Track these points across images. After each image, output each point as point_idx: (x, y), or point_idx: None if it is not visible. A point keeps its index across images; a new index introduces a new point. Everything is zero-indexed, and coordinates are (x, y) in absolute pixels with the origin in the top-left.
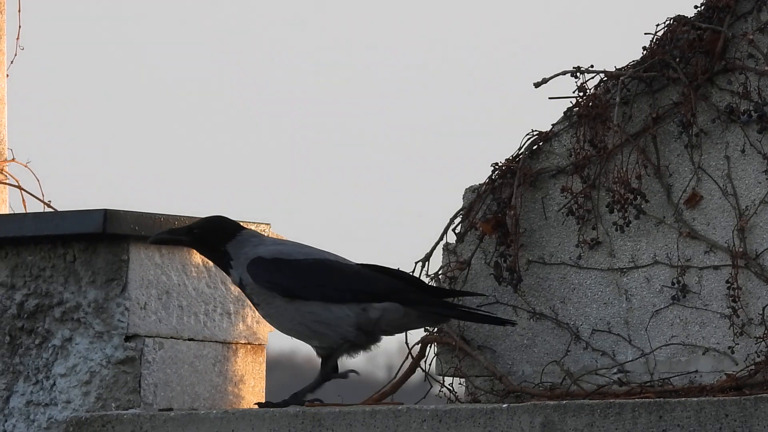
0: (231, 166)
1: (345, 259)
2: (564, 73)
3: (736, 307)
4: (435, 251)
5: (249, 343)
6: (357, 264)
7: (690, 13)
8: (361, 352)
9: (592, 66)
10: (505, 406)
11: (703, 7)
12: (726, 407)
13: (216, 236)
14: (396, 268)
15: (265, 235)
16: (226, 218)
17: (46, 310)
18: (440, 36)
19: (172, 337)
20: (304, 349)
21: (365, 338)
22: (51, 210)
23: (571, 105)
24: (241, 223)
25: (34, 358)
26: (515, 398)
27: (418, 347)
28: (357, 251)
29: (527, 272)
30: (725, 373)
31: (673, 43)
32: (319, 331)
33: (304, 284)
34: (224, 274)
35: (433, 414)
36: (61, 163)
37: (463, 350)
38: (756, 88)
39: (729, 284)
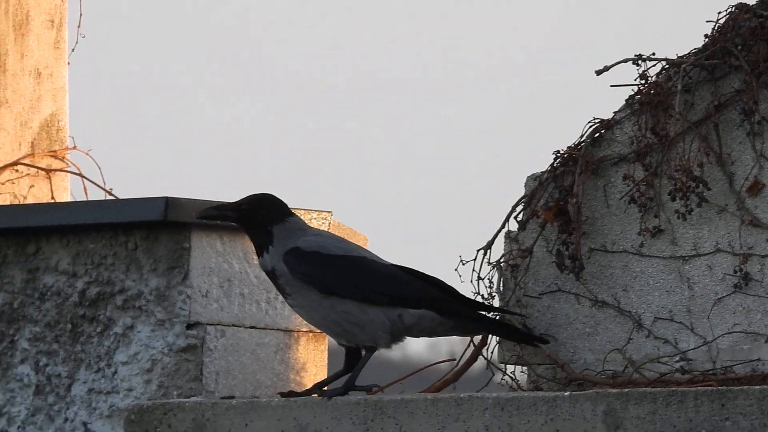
0: (293, 154)
1: (380, 258)
2: (626, 60)
3: None
4: (497, 239)
5: (311, 331)
6: (392, 265)
7: (752, 0)
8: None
9: (653, 54)
10: (567, 394)
11: None
12: None
13: (264, 215)
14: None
15: (314, 226)
16: (277, 199)
17: (108, 298)
18: (503, 23)
19: (233, 325)
20: None
21: (393, 343)
22: (112, 198)
23: (633, 93)
24: (293, 210)
25: (95, 345)
26: (577, 386)
27: (480, 336)
28: (418, 239)
29: (589, 260)
30: None
31: (735, 31)
32: (350, 331)
33: (341, 281)
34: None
35: (495, 402)
36: (123, 151)
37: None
38: None
39: None
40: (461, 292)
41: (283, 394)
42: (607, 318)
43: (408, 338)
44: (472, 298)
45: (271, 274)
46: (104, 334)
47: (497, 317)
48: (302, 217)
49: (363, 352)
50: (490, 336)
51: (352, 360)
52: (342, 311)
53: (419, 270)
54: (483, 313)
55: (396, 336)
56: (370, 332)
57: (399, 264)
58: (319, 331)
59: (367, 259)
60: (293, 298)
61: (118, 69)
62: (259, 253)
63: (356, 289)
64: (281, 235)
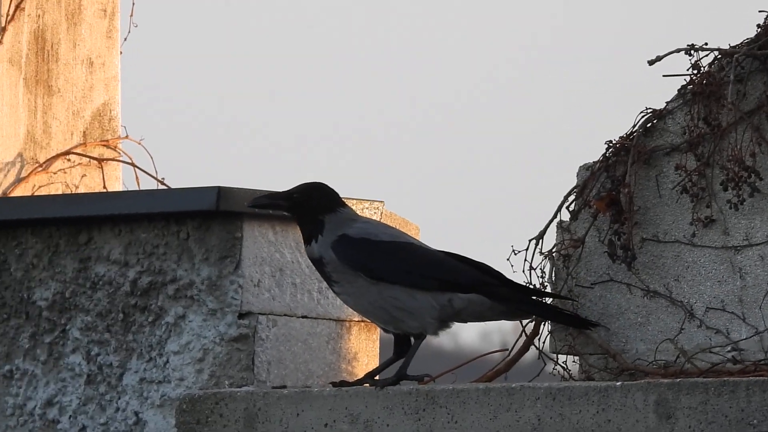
0: (345, 143)
1: (428, 246)
2: (678, 50)
3: None
4: (549, 229)
5: (362, 321)
6: (440, 251)
7: None
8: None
9: (706, 44)
10: (618, 384)
11: None
12: None
13: (315, 204)
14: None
15: (366, 216)
16: (328, 188)
17: (160, 288)
18: (556, 12)
19: (285, 315)
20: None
21: (441, 329)
22: (164, 187)
23: (685, 83)
24: (345, 199)
25: (147, 335)
26: (629, 376)
27: (531, 325)
28: (470, 229)
29: (641, 250)
30: None
31: None
32: (398, 318)
33: (390, 267)
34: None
35: (546, 392)
36: (175, 140)
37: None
38: None
39: None
40: (510, 278)
41: (334, 384)
42: (658, 308)
43: (458, 326)
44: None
45: (318, 262)
46: (156, 324)
47: (546, 302)
48: (354, 207)
49: (412, 340)
50: (542, 325)
51: (401, 348)
52: (390, 297)
53: (466, 256)
54: (533, 297)
55: (444, 321)
56: (419, 318)
57: (447, 250)
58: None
59: (416, 244)
60: (340, 285)
61: (170, 58)
62: (308, 242)
63: (405, 275)
64: (331, 224)
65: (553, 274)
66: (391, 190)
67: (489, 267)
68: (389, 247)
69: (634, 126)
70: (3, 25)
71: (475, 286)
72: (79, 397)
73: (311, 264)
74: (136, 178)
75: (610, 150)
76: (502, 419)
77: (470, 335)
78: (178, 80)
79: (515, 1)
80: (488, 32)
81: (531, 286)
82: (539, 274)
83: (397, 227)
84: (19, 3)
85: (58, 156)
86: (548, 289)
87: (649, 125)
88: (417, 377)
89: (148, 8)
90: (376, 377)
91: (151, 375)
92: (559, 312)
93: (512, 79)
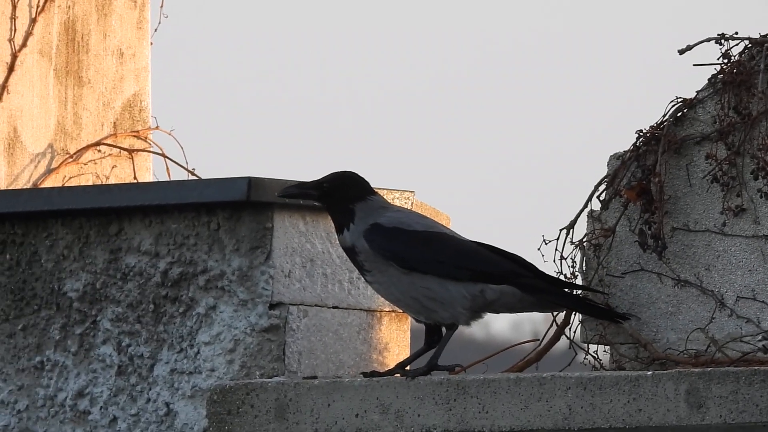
0: (376, 133)
1: (460, 236)
2: (708, 40)
3: None
4: (580, 218)
5: (393, 311)
6: (472, 241)
7: None
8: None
9: (736, 33)
10: (649, 373)
11: None
12: None
13: (346, 193)
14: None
15: (400, 204)
16: (359, 177)
17: (190, 279)
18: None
19: (316, 305)
20: None
21: (473, 320)
22: (195, 178)
23: (715, 72)
24: (375, 189)
25: (178, 326)
26: (660, 365)
27: (562, 315)
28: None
29: (672, 239)
30: None
31: None
32: (430, 308)
33: (422, 257)
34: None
35: (577, 381)
36: (205, 131)
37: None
38: None
39: None
40: (541, 269)
41: (365, 374)
42: (689, 297)
43: (489, 316)
44: (553, 275)
45: (351, 250)
46: (187, 315)
47: (577, 294)
48: (385, 197)
49: (443, 330)
50: (572, 315)
51: (432, 338)
52: (423, 287)
53: (498, 247)
54: (565, 289)
55: (476, 312)
56: (451, 308)
57: (478, 241)
58: (402, 311)
59: (448, 234)
60: (372, 274)
61: (200, 49)
62: (340, 231)
63: (438, 265)
64: (363, 212)
65: (584, 264)
66: (422, 180)
67: (521, 258)
68: (422, 236)
69: (664, 115)
70: (33, 16)
71: (507, 278)
72: (110, 388)
73: (342, 254)
74: (167, 168)
75: (641, 139)
76: (533, 409)
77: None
78: (208, 71)
79: None
80: (518, 21)
81: (562, 278)
82: (570, 264)
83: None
84: None
85: (88, 147)
86: (579, 279)
87: (679, 114)
88: (448, 367)
89: None
90: (407, 367)
91: (182, 366)
92: (589, 304)
93: (543, 69)
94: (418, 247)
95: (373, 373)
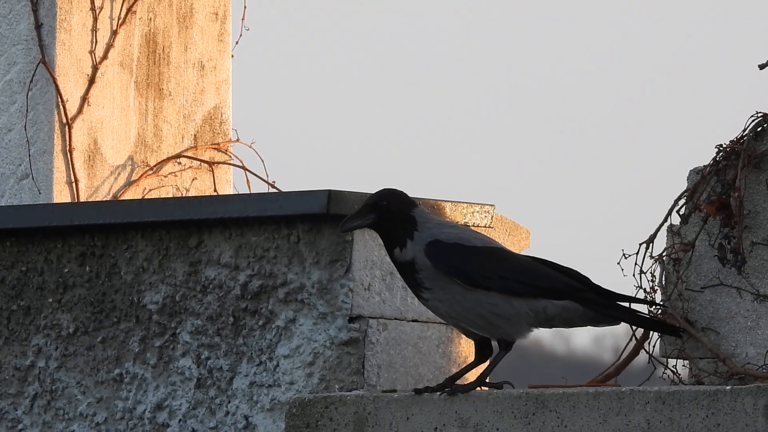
0: (456, 147)
1: (514, 252)
2: None
3: None
4: (659, 233)
5: None
6: (528, 257)
7: None
8: None
9: None
10: (728, 388)
11: None
12: None
13: (402, 208)
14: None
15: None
16: (406, 193)
17: (270, 291)
18: (668, 14)
19: (396, 318)
20: (530, 332)
21: (529, 333)
22: (275, 190)
23: None
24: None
25: (257, 339)
26: (739, 380)
27: (642, 329)
28: (580, 233)
29: (751, 254)
30: None
31: None
32: (496, 324)
33: (486, 273)
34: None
35: (656, 396)
36: (285, 143)
37: (687, 332)
38: None
39: None
40: (597, 283)
41: (417, 391)
42: None
43: (570, 331)
44: (611, 289)
45: (410, 266)
46: (266, 328)
47: (632, 307)
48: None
49: (494, 345)
50: (651, 330)
51: (483, 352)
52: (488, 303)
53: (553, 261)
54: (623, 303)
55: (535, 327)
56: (516, 324)
57: (533, 255)
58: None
59: (507, 250)
60: (432, 292)
61: (281, 62)
62: (396, 246)
63: (502, 281)
64: (420, 221)
65: (663, 278)
66: (502, 194)
67: (576, 272)
68: (483, 252)
69: (744, 130)
70: (114, 28)
71: (568, 293)
72: (189, 401)
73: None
74: (247, 181)
75: (721, 154)
76: (611, 423)
77: (582, 339)
78: (288, 83)
79: (626, 3)
80: (599, 36)
81: (643, 293)
82: (649, 278)
83: (507, 231)
84: (131, 6)
85: (168, 159)
86: (658, 293)
87: (759, 129)
88: (496, 384)
89: (259, 11)
90: (456, 381)
91: (261, 379)
92: (644, 318)
93: (623, 82)
94: (481, 263)
95: (427, 389)
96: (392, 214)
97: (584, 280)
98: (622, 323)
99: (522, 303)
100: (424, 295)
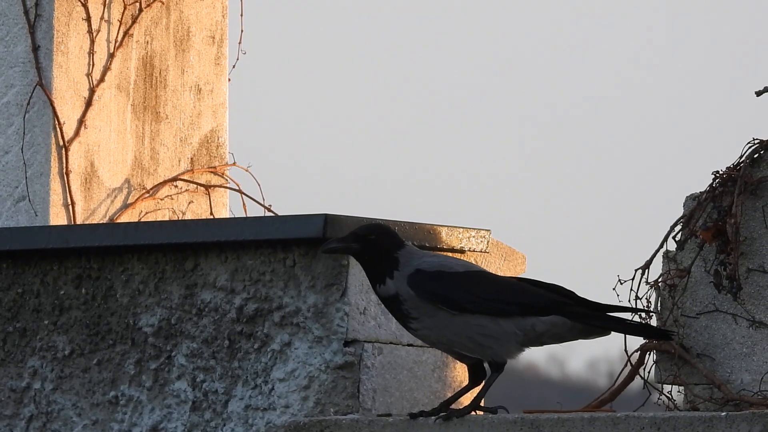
0: (451, 172)
1: (498, 275)
2: None
3: None
4: (655, 259)
5: None
6: (512, 278)
7: None
8: None
9: None
10: (723, 414)
11: None
12: None
13: (387, 242)
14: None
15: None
16: (391, 228)
17: (266, 315)
18: (662, 42)
19: (391, 343)
20: (525, 357)
21: (520, 353)
22: (271, 214)
23: None
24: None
25: (252, 362)
26: (734, 407)
27: (636, 355)
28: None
29: (747, 280)
30: None
31: None
32: (486, 345)
33: (471, 297)
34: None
35: (651, 421)
36: (282, 167)
37: (682, 358)
38: None
39: None
40: (579, 294)
41: (412, 416)
42: (764, 338)
43: (565, 356)
44: (589, 298)
45: (394, 299)
46: (261, 351)
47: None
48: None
49: (486, 366)
50: (647, 355)
51: (477, 375)
52: (476, 325)
53: (537, 279)
54: (607, 313)
55: (525, 346)
56: (505, 343)
57: (519, 276)
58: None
59: (490, 273)
60: (420, 321)
61: (277, 86)
62: (379, 281)
63: (487, 303)
64: (403, 260)
65: (659, 304)
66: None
67: (561, 287)
68: (465, 277)
69: (740, 156)
70: (111, 51)
71: (554, 308)
72: (184, 424)
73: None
74: (243, 204)
75: (717, 180)
76: None
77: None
78: (285, 107)
79: (620, 31)
80: (594, 60)
81: (638, 319)
82: (645, 304)
83: (503, 256)
84: (128, 29)
85: (165, 182)
86: (653, 319)
87: (756, 156)
88: (491, 409)
89: (256, 35)
90: (451, 406)
91: (257, 402)
92: (632, 324)
93: (619, 109)
94: (465, 288)
95: (422, 413)
96: (378, 249)
97: (569, 294)
98: (613, 333)
99: (509, 322)
100: (412, 325)
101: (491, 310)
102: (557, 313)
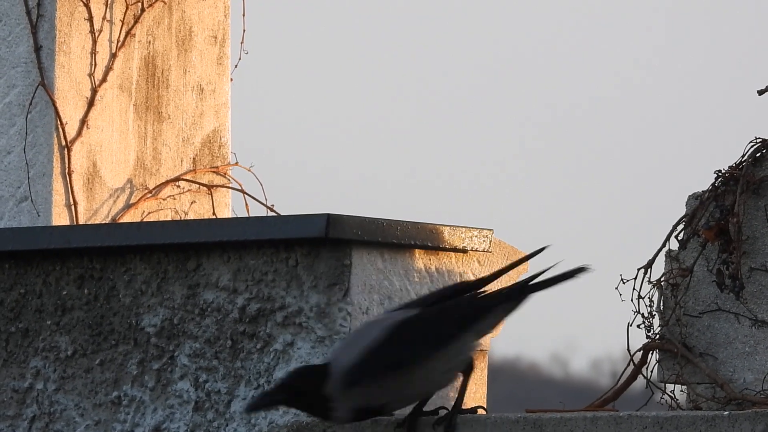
0: (451, 171)
1: (390, 314)
2: None
3: None
4: (657, 258)
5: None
6: (420, 299)
7: None
8: None
9: None
10: (726, 413)
11: None
12: None
13: (313, 385)
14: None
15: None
16: (309, 365)
17: (268, 315)
18: (665, 41)
19: None
20: (527, 357)
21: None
22: (274, 214)
23: None
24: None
25: (255, 362)
26: (736, 406)
27: (639, 354)
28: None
29: (749, 280)
30: None
31: None
32: (453, 368)
33: (411, 351)
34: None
35: (654, 421)
36: (284, 167)
37: (684, 357)
38: None
39: None
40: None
41: (400, 425)
42: (766, 338)
43: (568, 357)
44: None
45: (356, 413)
46: (264, 351)
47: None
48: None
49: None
50: (650, 355)
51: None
52: (434, 369)
53: (440, 289)
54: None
55: (480, 339)
56: (468, 354)
57: (424, 294)
58: (480, 349)
59: (406, 321)
60: (381, 400)
61: (280, 85)
62: (327, 416)
63: (426, 347)
64: (333, 403)
65: (661, 303)
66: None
67: (460, 284)
68: (389, 339)
69: (743, 155)
70: (113, 51)
71: (480, 309)
72: (186, 424)
73: (420, 292)
74: (246, 204)
75: (719, 179)
76: None
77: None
78: (287, 107)
79: (620, 31)
80: (594, 60)
81: (641, 318)
82: (647, 303)
83: (506, 255)
84: (130, 29)
85: (167, 182)
86: (656, 318)
87: (758, 155)
88: (470, 410)
89: (258, 35)
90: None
91: None
92: (545, 281)
93: (620, 108)
94: (399, 349)
95: (422, 413)
96: (303, 394)
97: (476, 284)
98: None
99: (457, 345)
100: (386, 411)
101: (434, 349)
102: (487, 310)
